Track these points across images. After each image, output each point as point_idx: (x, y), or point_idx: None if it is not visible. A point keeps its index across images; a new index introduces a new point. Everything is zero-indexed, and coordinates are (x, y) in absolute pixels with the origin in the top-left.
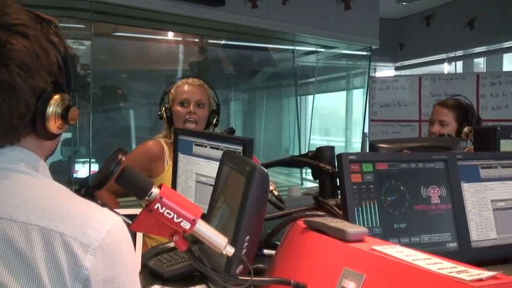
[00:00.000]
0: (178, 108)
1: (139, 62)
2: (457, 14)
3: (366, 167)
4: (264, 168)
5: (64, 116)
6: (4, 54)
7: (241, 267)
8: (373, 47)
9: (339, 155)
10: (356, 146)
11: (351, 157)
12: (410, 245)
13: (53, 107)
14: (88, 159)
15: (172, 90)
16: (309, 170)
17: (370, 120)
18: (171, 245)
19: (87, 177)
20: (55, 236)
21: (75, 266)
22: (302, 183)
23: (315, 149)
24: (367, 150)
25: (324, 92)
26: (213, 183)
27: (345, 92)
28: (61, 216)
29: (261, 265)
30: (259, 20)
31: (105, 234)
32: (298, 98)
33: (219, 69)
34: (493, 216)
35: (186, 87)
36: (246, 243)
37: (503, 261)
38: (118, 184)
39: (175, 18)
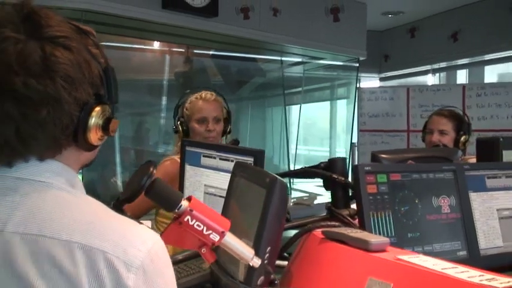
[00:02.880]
0: (196, 125)
1: (123, 71)
2: (441, 27)
3: (380, 177)
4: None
5: (105, 128)
6: (49, 66)
7: (262, 278)
8: (361, 58)
9: (355, 166)
10: (340, 156)
11: (367, 168)
12: (423, 254)
13: (95, 118)
14: None
15: (187, 106)
16: (296, 180)
17: (359, 131)
18: (179, 257)
19: None
20: (98, 254)
21: (118, 285)
22: (290, 193)
23: (327, 160)
24: (356, 161)
25: (308, 102)
26: (222, 195)
27: (328, 102)
28: (102, 233)
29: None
30: (251, 31)
31: (146, 252)
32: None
33: (205, 79)
34: (498, 224)
35: (202, 104)
36: (267, 254)
37: (509, 268)
38: (147, 197)
39: (166, 28)
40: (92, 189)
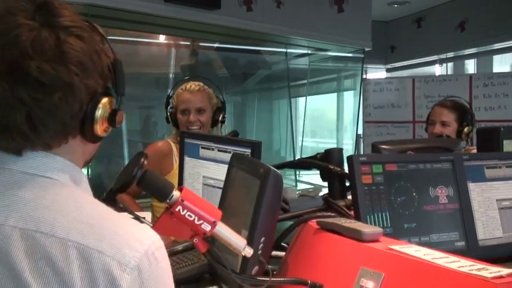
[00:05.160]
0: (180, 116)
1: (130, 65)
2: (448, 16)
3: (376, 168)
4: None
5: (111, 119)
6: (63, 53)
7: (256, 267)
8: (366, 49)
9: (350, 157)
10: (347, 147)
11: (362, 158)
12: (420, 245)
13: (102, 109)
14: None
15: (174, 97)
16: (303, 172)
17: (365, 122)
18: (179, 247)
19: None
20: (94, 255)
21: (112, 285)
22: (296, 185)
23: (323, 151)
24: (361, 152)
25: (314, 94)
26: (220, 186)
27: (335, 94)
28: (100, 233)
29: (269, 266)
30: (254, 23)
31: (142, 253)
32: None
33: (211, 72)
34: (498, 215)
35: (186, 96)
36: (261, 245)
37: (509, 259)
38: (139, 187)
39: (169, 21)
40: (99, 183)
